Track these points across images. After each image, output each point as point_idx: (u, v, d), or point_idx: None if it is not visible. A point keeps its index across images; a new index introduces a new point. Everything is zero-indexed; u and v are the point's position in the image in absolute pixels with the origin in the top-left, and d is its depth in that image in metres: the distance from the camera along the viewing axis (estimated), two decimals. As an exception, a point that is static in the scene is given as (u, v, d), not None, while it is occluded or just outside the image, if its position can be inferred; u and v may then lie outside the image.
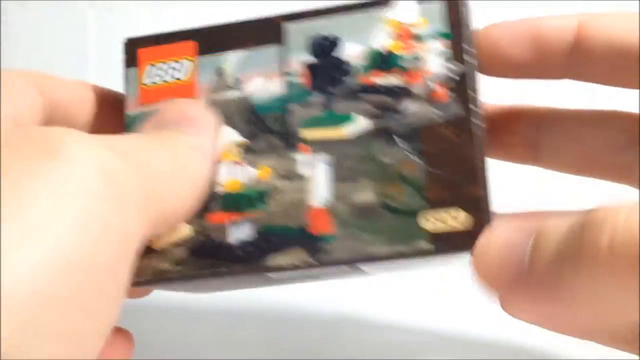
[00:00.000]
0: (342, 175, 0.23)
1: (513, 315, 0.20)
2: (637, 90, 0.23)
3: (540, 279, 0.19)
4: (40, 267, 0.14)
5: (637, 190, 0.25)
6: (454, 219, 0.21)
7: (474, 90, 0.22)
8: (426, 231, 0.21)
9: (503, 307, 0.20)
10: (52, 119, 0.24)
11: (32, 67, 0.43)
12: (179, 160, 0.21)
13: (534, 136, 0.27)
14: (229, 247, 0.23)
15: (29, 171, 0.16)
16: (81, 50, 0.42)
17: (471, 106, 0.22)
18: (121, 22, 0.42)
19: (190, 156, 0.22)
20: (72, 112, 0.25)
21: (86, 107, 0.25)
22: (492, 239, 0.20)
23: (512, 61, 0.24)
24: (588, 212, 0.18)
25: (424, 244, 0.21)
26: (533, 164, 0.27)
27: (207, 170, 0.22)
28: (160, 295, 0.27)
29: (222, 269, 0.23)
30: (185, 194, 0.21)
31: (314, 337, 0.34)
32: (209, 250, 0.23)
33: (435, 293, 0.33)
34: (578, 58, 0.24)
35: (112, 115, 0.25)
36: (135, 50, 0.26)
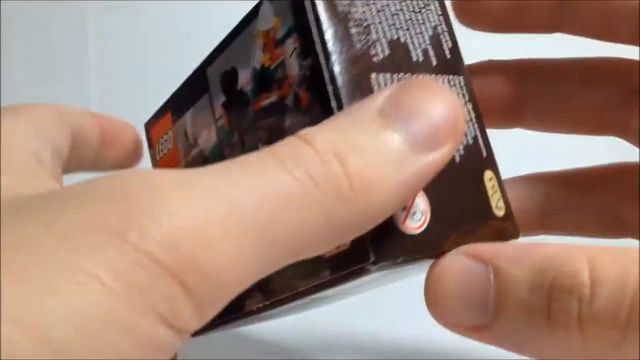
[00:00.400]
0: None
1: None
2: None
3: (506, 332, 0.17)
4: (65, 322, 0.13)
5: (626, 143, 0.24)
6: None
7: (332, 83, 0.18)
8: (326, 259, 0.19)
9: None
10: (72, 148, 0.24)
11: (32, 67, 0.43)
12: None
13: (516, 99, 0.24)
14: None
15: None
16: (81, 50, 0.42)
17: (332, 104, 0.18)
18: (121, 22, 0.42)
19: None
20: (85, 141, 0.24)
21: (95, 135, 0.25)
22: (447, 271, 0.18)
23: (492, 11, 0.22)
24: (551, 268, 0.16)
25: (326, 273, 0.19)
26: (516, 127, 0.25)
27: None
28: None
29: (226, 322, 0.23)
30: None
31: (314, 337, 0.34)
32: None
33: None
34: (566, 11, 0.22)
35: (114, 141, 0.25)
36: (149, 130, 0.27)
